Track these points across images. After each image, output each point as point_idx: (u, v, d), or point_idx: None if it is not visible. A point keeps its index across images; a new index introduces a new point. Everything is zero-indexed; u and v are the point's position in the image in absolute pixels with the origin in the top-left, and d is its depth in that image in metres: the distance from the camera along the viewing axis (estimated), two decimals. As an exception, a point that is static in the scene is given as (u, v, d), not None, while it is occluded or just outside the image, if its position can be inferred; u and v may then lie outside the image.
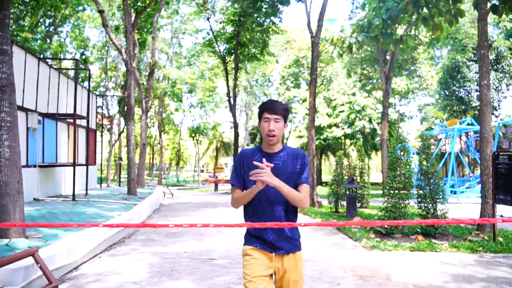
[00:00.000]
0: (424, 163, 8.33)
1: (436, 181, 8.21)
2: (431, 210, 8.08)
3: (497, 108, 23.76)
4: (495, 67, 23.14)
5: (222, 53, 24.20)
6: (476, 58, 23.03)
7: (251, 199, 2.35)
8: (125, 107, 26.66)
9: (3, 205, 5.25)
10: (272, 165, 2.25)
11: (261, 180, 2.19)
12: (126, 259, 6.08)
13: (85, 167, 12.80)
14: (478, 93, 22.75)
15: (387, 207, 8.21)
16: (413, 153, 16.65)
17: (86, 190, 11.73)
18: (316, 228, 8.96)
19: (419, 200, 8.23)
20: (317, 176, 34.80)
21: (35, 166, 10.16)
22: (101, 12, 11.96)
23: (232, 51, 23.02)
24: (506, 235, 7.77)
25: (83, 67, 15.80)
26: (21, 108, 9.67)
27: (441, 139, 23.30)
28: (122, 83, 30.43)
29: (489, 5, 9.28)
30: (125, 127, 14.67)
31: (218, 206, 14.13)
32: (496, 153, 7.37)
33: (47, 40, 23.24)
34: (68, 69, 13.29)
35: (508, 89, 23.48)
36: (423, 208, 8.18)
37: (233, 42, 22.64)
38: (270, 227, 2.30)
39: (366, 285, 4.82)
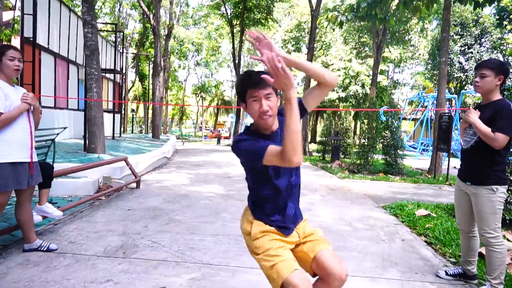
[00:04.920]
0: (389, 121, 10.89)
1: (398, 134, 10.80)
2: (393, 155, 10.72)
3: (478, 80, 25.99)
4: (479, 41, 25.21)
5: (229, 17, 25.96)
6: (462, 33, 25.08)
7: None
8: (139, 64, 28.74)
9: (93, 131, 7.78)
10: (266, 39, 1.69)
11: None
12: (170, 174, 8.73)
13: (116, 114, 15.26)
14: (459, 64, 25.07)
15: (358, 153, 10.88)
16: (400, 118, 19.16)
17: (120, 132, 14.27)
18: (305, 166, 11.64)
19: (384, 146, 10.83)
20: (311, 135, 37.54)
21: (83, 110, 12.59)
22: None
23: (239, 15, 24.80)
24: (451, 177, 10.37)
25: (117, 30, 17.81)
26: (74, 63, 11.96)
27: (425, 105, 25.72)
28: (126, 39, 32.20)
29: (455, -5, 11.46)
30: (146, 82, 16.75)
31: (225, 152, 16.82)
32: (440, 114, 9.91)
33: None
34: (108, 31, 15.43)
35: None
36: (387, 154, 10.82)
37: (240, 6, 24.38)
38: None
39: (333, 192, 7.49)
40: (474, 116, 2.89)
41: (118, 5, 30.14)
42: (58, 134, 5.51)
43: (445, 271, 3.25)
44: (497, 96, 2.90)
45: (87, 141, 7.99)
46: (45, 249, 3.36)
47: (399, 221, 5.24)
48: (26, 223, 3.32)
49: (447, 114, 9.70)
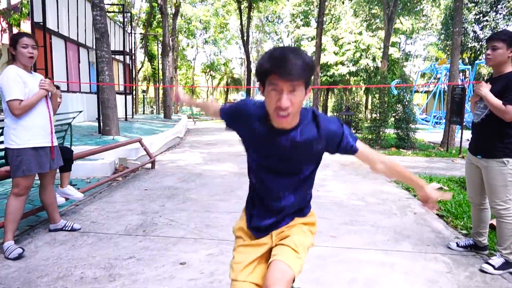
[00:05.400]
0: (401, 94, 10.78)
1: (410, 108, 10.71)
2: (405, 129, 10.66)
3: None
4: (495, 8, 24.41)
5: (236, -8, 25.55)
6: (477, 0, 24.27)
7: None
8: (148, 44, 28.67)
9: (107, 114, 7.91)
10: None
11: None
12: (184, 154, 8.87)
13: (127, 96, 15.39)
14: (474, 33, 24.38)
15: (370, 127, 10.85)
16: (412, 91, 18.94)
17: (132, 113, 14.44)
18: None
19: (396, 120, 10.77)
20: (323, 111, 37.30)
21: (95, 93, 12.75)
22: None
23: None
24: (464, 150, 10.33)
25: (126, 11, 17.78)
26: (84, 46, 12.02)
27: (440, 77, 25.25)
28: (133, 19, 32.00)
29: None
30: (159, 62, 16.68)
31: (236, 131, 16.92)
32: (453, 86, 9.77)
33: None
34: (115, 12, 15.39)
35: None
36: (399, 128, 10.77)
37: (247, -19, 23.96)
38: None
39: (345, 168, 7.54)
40: (485, 89, 2.89)
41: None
42: (74, 118, 5.64)
43: (457, 243, 3.32)
44: (509, 69, 2.89)
45: (101, 124, 8.13)
46: (69, 228, 3.53)
47: (411, 195, 5.30)
48: (50, 205, 3.47)
49: (460, 87, 9.56)
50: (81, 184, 5.55)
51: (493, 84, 2.91)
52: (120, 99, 16.09)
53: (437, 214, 4.33)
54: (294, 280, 1.57)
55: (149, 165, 6.97)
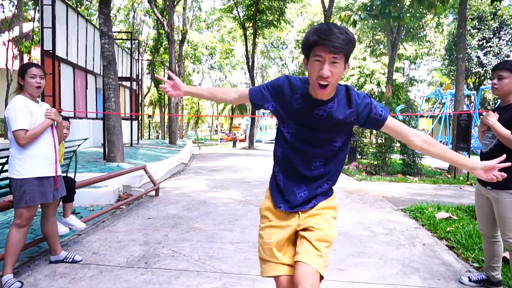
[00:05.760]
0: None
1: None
2: (411, 155, 10.58)
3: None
4: (498, 34, 24.65)
5: (241, 19, 26.06)
6: (480, 26, 24.56)
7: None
8: (154, 70, 29.14)
9: (112, 140, 7.93)
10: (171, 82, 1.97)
11: None
12: (188, 181, 8.83)
13: (133, 121, 15.52)
14: (477, 59, 24.53)
15: (376, 154, 10.77)
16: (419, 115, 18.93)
17: (138, 139, 14.50)
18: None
19: (402, 145, 10.70)
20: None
21: (101, 119, 12.88)
22: (145, -10, 14.17)
23: (251, 17, 24.86)
24: (472, 177, 10.19)
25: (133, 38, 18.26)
26: (92, 72, 12.22)
27: (443, 102, 25.29)
28: (141, 45, 32.66)
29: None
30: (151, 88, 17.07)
31: (241, 155, 16.89)
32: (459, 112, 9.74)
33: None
34: (124, 39, 15.75)
35: (509, 55, 25.03)
36: (404, 153, 10.68)
37: (252, 9, 24.44)
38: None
39: (351, 195, 7.44)
40: (492, 118, 2.85)
41: (132, 12, 30.61)
42: (79, 145, 5.65)
43: (469, 277, 3.21)
44: (516, 99, 2.86)
45: (106, 150, 8.14)
46: (70, 260, 3.46)
47: (419, 224, 5.18)
48: (52, 236, 3.42)
49: (466, 113, 9.52)
50: (84, 212, 5.50)
51: (500, 114, 2.88)
52: (126, 124, 16.21)
53: (446, 246, 4.22)
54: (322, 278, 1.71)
55: (153, 192, 6.92)
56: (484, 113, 3.01)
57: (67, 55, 10.04)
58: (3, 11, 23.52)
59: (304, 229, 1.77)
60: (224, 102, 2.01)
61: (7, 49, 20.01)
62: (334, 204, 1.92)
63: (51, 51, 8.16)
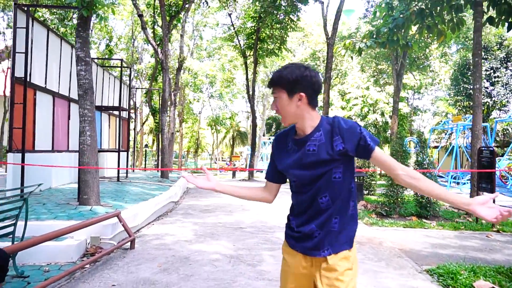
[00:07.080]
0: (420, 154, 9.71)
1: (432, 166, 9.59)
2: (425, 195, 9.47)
3: (506, 105, 24.64)
4: (505, 64, 23.98)
5: (242, 48, 25.55)
6: (486, 56, 23.92)
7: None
8: (152, 98, 28.50)
9: (86, 180, 6.89)
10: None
11: None
12: (174, 226, 7.71)
13: (123, 152, 14.51)
14: (486, 89, 23.76)
15: (387, 193, 9.65)
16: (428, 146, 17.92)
17: (127, 173, 13.45)
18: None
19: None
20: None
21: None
22: (140, 16, 13.55)
23: (252, 46, 24.34)
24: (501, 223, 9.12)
25: (125, 65, 17.57)
26: (76, 101, 11.32)
27: (451, 133, 24.34)
28: (141, 73, 32.20)
29: (485, 17, 10.48)
30: (155, 117, 16.17)
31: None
32: (480, 148, 8.71)
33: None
34: (113, 66, 14.97)
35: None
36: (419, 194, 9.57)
37: (253, 37, 23.94)
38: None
39: (362, 248, 6.31)
40: None
41: (133, 40, 30.28)
42: (31, 192, 4.63)
43: None
44: None
45: (79, 191, 7.09)
46: None
47: (454, 298, 4.06)
48: None
49: (488, 149, 8.50)
50: (36, 274, 4.44)
51: None
52: (113, 157, 15.19)
53: None
54: None
55: (128, 244, 5.82)
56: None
57: (45, 83, 9.14)
58: (5, 39, 23.22)
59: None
60: (266, 201, 2.07)
61: (6, 76, 19.84)
62: (352, 263, 1.92)
63: (23, 78, 7.26)
